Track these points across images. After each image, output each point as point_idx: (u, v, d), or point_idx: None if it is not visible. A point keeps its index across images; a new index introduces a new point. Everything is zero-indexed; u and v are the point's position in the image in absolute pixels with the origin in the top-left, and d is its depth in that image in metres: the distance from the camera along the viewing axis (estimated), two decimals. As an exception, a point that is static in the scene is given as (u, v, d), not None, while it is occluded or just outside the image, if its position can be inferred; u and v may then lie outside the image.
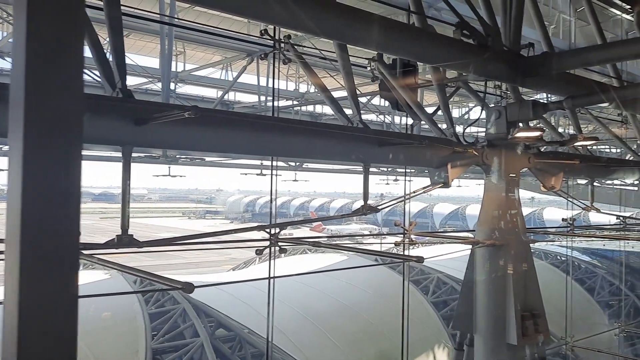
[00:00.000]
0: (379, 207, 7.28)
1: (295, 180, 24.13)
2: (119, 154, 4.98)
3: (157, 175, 17.76)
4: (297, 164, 21.22)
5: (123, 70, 4.90)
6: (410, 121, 9.22)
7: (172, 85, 13.68)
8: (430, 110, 8.81)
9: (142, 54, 16.10)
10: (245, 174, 22.25)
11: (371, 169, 7.53)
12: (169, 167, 16.61)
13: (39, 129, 0.66)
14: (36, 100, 0.66)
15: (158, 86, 14.03)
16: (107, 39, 5.08)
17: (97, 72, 4.92)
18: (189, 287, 4.32)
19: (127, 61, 5.54)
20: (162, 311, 14.92)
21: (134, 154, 4.94)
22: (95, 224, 71.72)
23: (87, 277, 15.56)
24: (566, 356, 14.31)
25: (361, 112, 7.34)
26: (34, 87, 0.67)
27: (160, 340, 13.72)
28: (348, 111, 7.52)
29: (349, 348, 15.53)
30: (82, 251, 5.02)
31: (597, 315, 19.99)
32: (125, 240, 4.86)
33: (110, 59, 5.06)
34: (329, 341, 15.60)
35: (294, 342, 14.74)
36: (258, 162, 19.74)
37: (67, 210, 0.70)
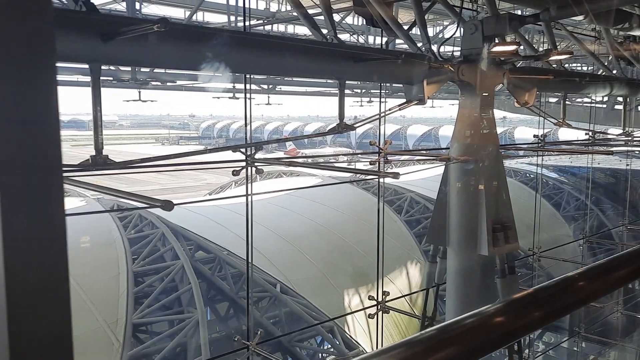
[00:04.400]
0: (355, 125, 7.28)
1: (268, 104, 23.90)
2: (86, 79, 4.80)
3: (128, 100, 17.38)
4: (270, 86, 20.90)
5: (85, -18, 4.63)
6: (385, 39, 9.06)
7: (137, 5, 13.07)
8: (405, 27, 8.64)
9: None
10: (218, 98, 21.93)
11: (345, 91, 7.43)
12: (139, 92, 16.20)
13: (7, 49, 0.59)
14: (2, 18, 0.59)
15: (122, 6, 13.40)
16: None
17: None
18: (168, 205, 4.32)
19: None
20: (141, 236, 15.02)
21: (102, 78, 4.77)
22: (67, 152, 70.38)
23: (62, 204, 15.42)
24: (533, 267, 15.02)
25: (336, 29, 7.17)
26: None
27: (141, 264, 13.89)
28: (323, 30, 7.32)
29: (326, 266, 15.99)
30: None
31: (563, 229, 20.87)
32: (100, 160, 4.77)
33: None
34: (306, 260, 16.01)
35: (271, 262, 15.09)
36: (230, 86, 19.37)
37: (48, 130, 0.64)
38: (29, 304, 0.61)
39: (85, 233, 14.75)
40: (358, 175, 16.40)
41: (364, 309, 11.57)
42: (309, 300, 14.29)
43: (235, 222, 15.64)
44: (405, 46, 8.70)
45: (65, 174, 5.06)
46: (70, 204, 17.44)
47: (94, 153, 4.91)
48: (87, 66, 4.81)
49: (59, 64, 4.65)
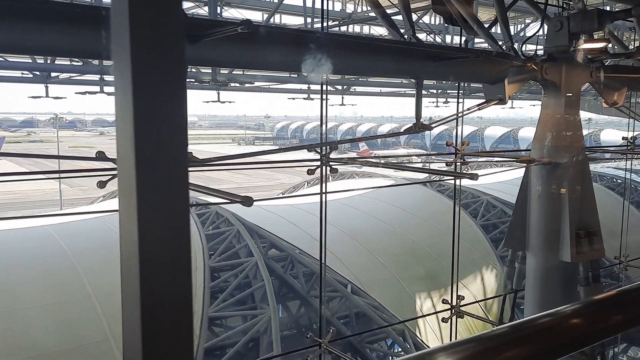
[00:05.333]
0: (432, 125, 7.18)
1: (342, 105, 24.00)
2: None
3: (207, 101, 18.02)
4: (345, 87, 21.00)
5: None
6: (464, 38, 8.89)
7: (218, 9, 13.54)
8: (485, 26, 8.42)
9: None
10: (293, 99, 22.25)
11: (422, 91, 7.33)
12: (218, 93, 16.75)
13: (146, 52, 0.65)
14: (140, 23, 0.65)
15: (205, 10, 13.93)
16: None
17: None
18: (248, 201, 4.44)
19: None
20: (217, 232, 15.51)
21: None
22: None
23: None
24: (619, 276, 14.20)
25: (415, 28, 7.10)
26: (137, 9, 0.66)
27: (217, 260, 14.34)
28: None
29: (397, 268, 15.86)
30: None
31: (653, 238, 19.57)
32: (184, 157, 4.97)
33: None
34: (377, 262, 15.96)
35: (343, 262, 15.15)
36: (305, 87, 19.64)
37: (177, 127, 0.71)
38: (158, 277, 0.67)
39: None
40: (433, 176, 16.13)
41: (437, 312, 11.38)
42: (379, 302, 14.22)
43: (307, 222, 15.84)
44: (485, 45, 8.49)
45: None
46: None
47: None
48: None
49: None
